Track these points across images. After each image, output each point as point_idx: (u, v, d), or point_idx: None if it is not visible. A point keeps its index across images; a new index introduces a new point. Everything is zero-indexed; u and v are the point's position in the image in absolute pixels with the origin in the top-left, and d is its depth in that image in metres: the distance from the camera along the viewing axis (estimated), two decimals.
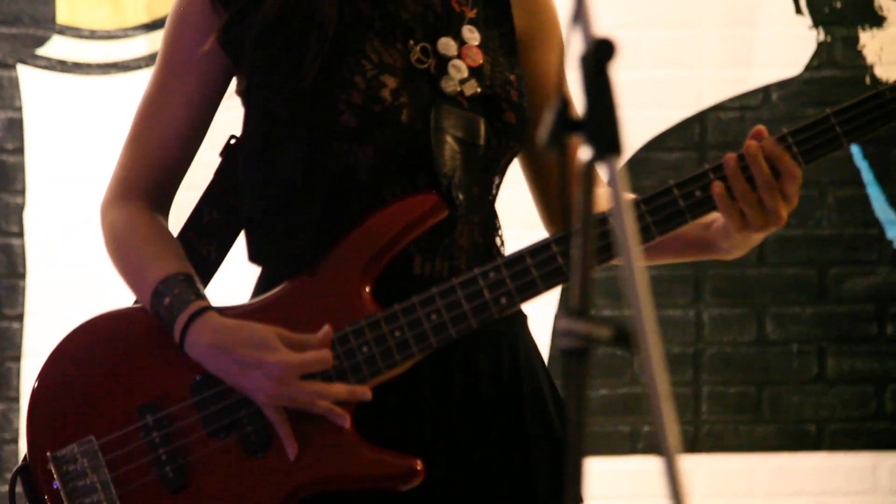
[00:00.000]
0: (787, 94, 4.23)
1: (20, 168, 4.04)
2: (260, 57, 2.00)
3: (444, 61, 2.01)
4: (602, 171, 1.35)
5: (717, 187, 1.97)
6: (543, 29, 2.12)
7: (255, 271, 2.10)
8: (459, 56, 2.02)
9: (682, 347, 4.23)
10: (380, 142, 1.98)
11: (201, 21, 2.03)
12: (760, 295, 4.22)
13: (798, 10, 4.22)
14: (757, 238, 2.02)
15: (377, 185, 2.00)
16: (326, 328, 1.96)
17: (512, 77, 2.05)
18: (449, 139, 2.00)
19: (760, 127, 2.00)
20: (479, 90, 2.02)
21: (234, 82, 2.07)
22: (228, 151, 2.08)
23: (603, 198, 2.05)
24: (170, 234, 2.08)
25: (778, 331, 4.24)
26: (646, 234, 1.99)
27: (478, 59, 2.03)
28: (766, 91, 4.23)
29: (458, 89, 2.01)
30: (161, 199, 2.09)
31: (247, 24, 2.00)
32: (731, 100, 4.23)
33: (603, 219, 1.98)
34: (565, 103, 1.37)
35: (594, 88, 1.34)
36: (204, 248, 2.09)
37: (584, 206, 1.37)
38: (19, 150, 4.04)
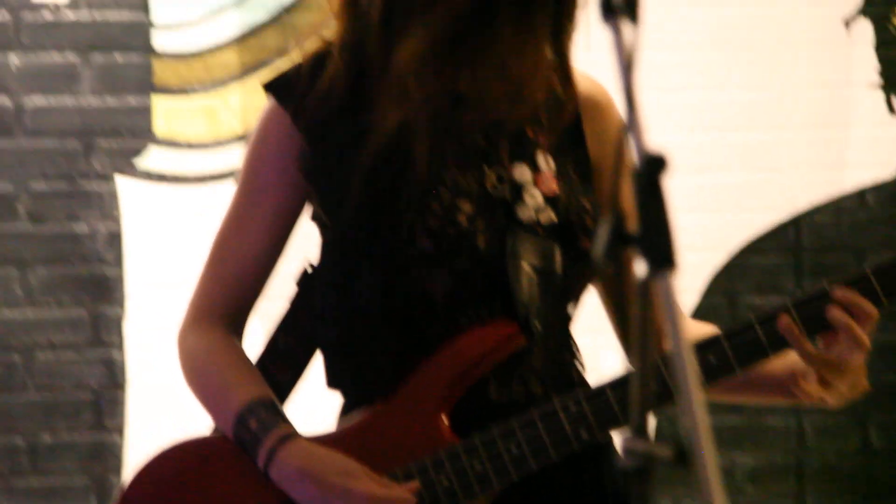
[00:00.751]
0: (883, 197, 4.16)
1: (119, 279, 4.09)
2: (340, 185, 2.00)
3: (518, 188, 2.01)
4: (658, 287, 1.32)
5: (785, 321, 1.96)
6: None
7: (333, 397, 2.10)
8: (535, 183, 2.02)
9: (784, 458, 4.14)
10: (456, 267, 1.98)
11: (282, 145, 2.04)
12: (863, 402, 4.12)
13: (891, 111, 4.17)
14: (835, 393, 1.99)
15: (454, 311, 1.99)
16: (415, 484, 1.96)
17: (587, 204, 2.04)
18: (525, 266, 1.99)
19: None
20: (554, 219, 2.01)
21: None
22: (304, 279, 2.08)
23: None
24: (248, 358, 2.09)
25: (883, 439, 4.14)
26: (727, 368, 1.98)
27: (553, 186, 2.02)
28: (861, 194, 4.17)
29: (535, 218, 2.01)
30: (237, 323, 2.10)
31: (328, 151, 2.01)
32: (827, 203, 4.17)
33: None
34: (619, 217, 1.35)
35: (648, 203, 1.33)
36: (279, 374, 2.09)
37: (641, 322, 1.34)
38: (118, 262, 4.09)
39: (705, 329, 2.07)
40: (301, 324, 2.08)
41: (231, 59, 4.09)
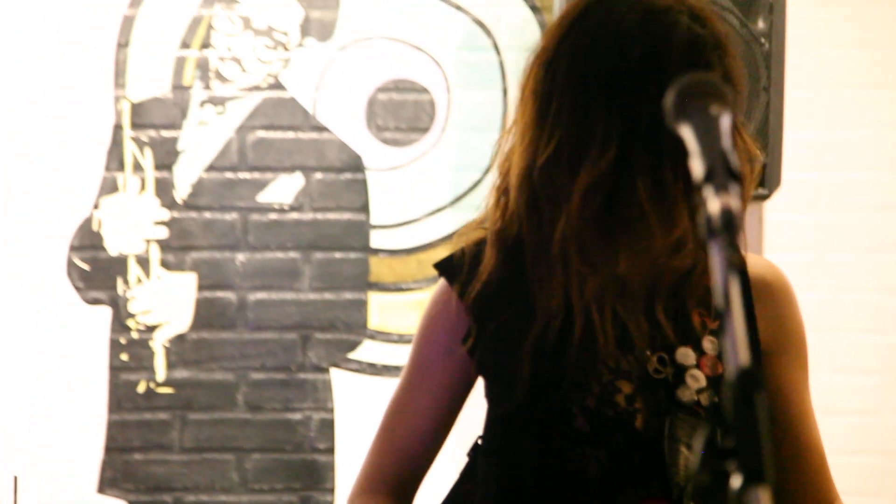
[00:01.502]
0: None
1: (330, 468, 4.20)
2: (505, 365, 2.05)
3: (681, 370, 2.03)
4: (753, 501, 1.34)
5: None
6: (789, 340, 2.11)
7: None
8: (698, 366, 2.03)
9: None
10: (612, 446, 2.00)
11: (450, 322, 2.10)
12: None
13: None
14: None
15: (608, 489, 2.01)
16: None
17: None
18: (683, 448, 2.00)
19: None
20: (716, 400, 2.02)
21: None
22: (474, 451, 2.13)
23: None
24: None
25: None
26: None
27: (717, 369, 2.03)
28: None
29: (695, 399, 2.02)
30: (405, 494, 2.16)
31: (493, 332, 2.07)
32: None
33: None
34: (714, 429, 1.38)
35: (741, 416, 1.35)
36: None
37: None
38: (330, 450, 4.20)
39: None
40: (469, 497, 2.12)
41: (444, 255, 4.21)
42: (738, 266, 1.39)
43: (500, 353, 2.06)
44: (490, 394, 2.10)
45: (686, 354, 2.03)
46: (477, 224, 2.13)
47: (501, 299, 2.07)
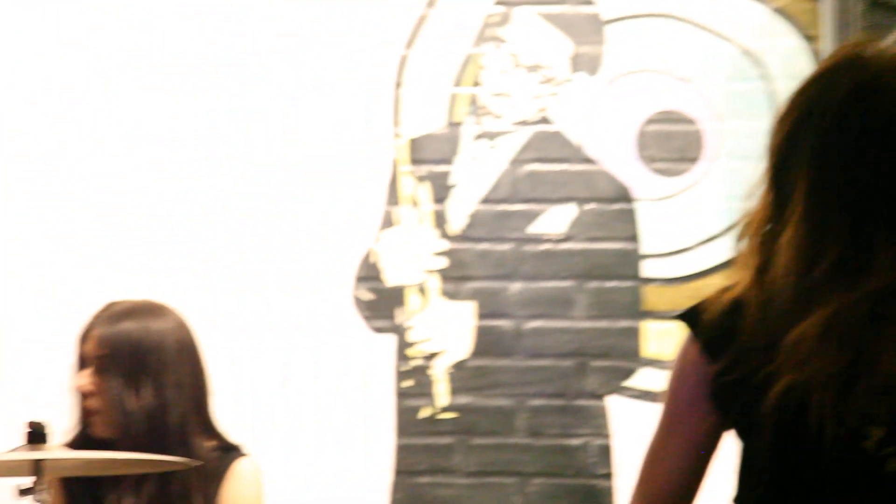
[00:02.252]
0: None
1: (610, 493, 4.31)
2: (749, 418, 2.08)
3: None
4: None
5: None
6: None
7: None
8: None
9: None
10: (862, 489, 2.01)
11: (694, 373, 2.13)
12: None
13: None
14: None
15: None
16: None
17: None
18: None
19: None
20: None
21: None
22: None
23: None
24: None
25: None
26: None
27: None
28: None
29: None
30: None
31: (738, 389, 2.09)
32: None
33: None
34: None
35: None
36: None
37: None
38: (608, 476, 4.32)
39: None
40: None
41: (720, 282, 4.28)
42: None
43: (751, 408, 2.08)
44: (738, 438, 2.13)
45: None
46: (722, 289, 2.19)
47: (751, 358, 2.09)
